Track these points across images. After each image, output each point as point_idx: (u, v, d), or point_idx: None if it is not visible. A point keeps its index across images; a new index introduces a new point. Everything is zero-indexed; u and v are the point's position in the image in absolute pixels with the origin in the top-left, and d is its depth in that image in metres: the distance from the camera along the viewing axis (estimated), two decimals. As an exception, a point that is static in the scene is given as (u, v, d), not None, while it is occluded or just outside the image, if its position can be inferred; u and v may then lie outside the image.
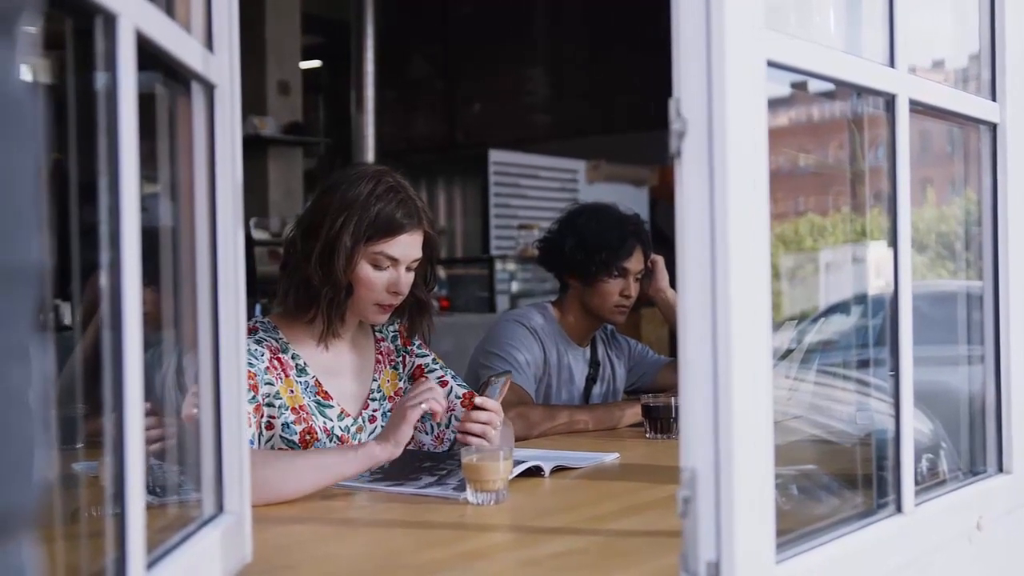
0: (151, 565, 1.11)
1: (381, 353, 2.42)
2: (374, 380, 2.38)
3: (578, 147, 8.89)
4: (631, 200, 6.79)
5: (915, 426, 1.58)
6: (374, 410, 2.36)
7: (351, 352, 2.35)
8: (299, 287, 2.23)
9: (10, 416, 0.55)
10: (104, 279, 1.02)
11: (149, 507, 1.08)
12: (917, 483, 1.57)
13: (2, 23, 0.54)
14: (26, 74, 0.57)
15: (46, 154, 0.59)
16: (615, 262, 3.02)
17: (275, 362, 2.20)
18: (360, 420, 2.32)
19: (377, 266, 2.22)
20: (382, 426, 2.32)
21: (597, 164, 8.53)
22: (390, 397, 2.39)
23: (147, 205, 1.11)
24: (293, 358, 2.25)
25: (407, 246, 2.24)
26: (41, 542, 0.63)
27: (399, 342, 2.45)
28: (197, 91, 1.35)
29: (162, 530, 1.27)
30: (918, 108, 1.60)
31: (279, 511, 1.88)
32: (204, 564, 1.27)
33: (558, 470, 2.21)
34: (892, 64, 1.54)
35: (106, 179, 1.02)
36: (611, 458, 2.38)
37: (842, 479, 1.75)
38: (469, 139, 10.10)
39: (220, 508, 1.38)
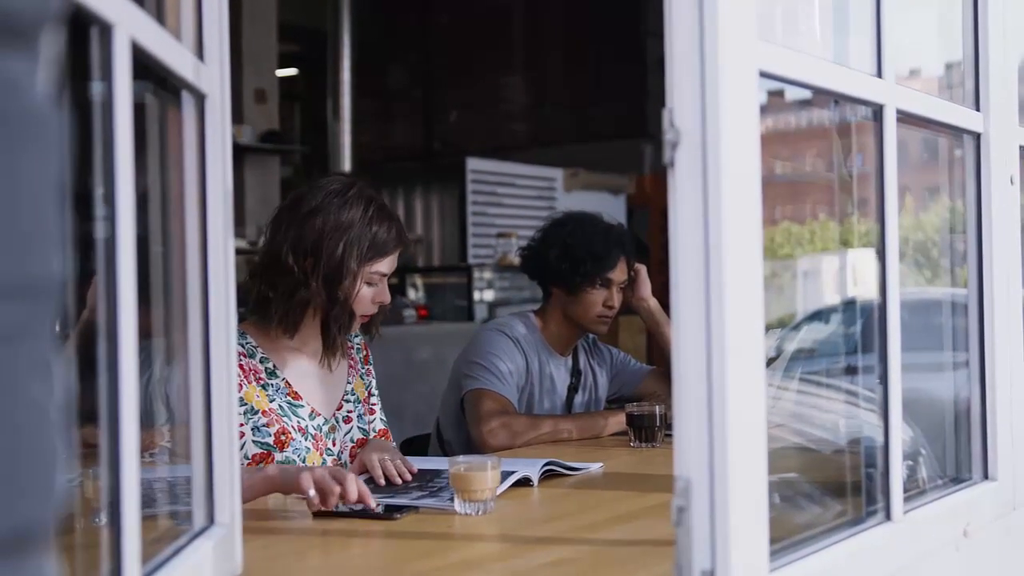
0: (145, 578, 1.10)
1: (352, 359, 2.50)
2: (348, 383, 2.45)
3: (556, 155, 8.90)
4: (608, 208, 6.79)
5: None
6: (348, 411, 2.43)
7: (319, 355, 2.40)
8: (300, 307, 2.28)
9: (33, 431, 0.55)
10: (100, 290, 1.01)
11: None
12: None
13: (24, 37, 0.54)
14: (48, 88, 0.57)
15: (67, 166, 0.59)
16: (600, 273, 3.02)
17: (237, 369, 2.22)
18: (333, 420, 2.39)
19: (370, 283, 2.32)
20: (358, 427, 2.43)
21: (575, 172, 8.54)
22: (363, 401, 2.48)
23: (136, 214, 1.11)
24: (262, 362, 2.31)
25: (394, 260, 2.36)
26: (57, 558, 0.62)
27: (361, 356, 2.55)
28: (187, 100, 1.35)
29: (153, 542, 1.26)
30: (904, 118, 1.61)
31: (269, 523, 1.87)
32: (196, 576, 1.27)
33: (548, 476, 2.21)
34: (879, 74, 1.55)
35: (102, 188, 1.01)
36: (596, 467, 2.39)
37: (829, 487, 1.75)
38: (446, 147, 10.10)
39: (211, 520, 1.38)
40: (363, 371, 2.53)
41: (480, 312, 7.38)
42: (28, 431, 0.54)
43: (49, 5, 0.56)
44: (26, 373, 0.55)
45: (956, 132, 1.87)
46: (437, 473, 2.22)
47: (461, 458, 1.99)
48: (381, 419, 2.54)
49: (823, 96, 1.62)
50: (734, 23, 1.19)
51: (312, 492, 1.83)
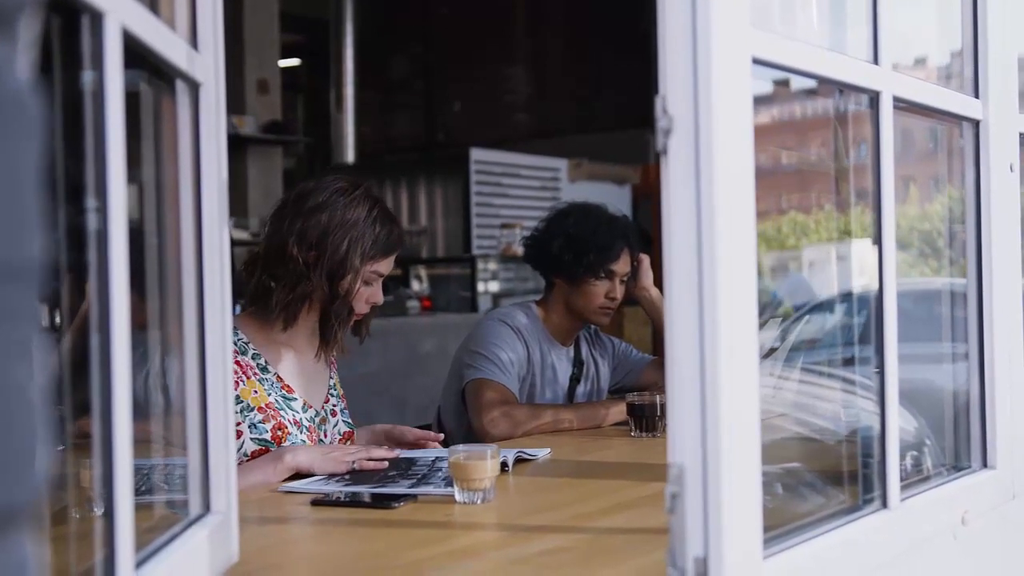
0: (139, 565, 1.10)
1: (334, 356, 2.53)
2: (331, 378, 2.50)
3: (560, 146, 8.89)
4: (613, 199, 6.79)
5: (899, 424, 1.59)
6: (333, 405, 2.48)
7: (309, 350, 2.43)
8: (300, 300, 2.31)
9: (14, 411, 0.55)
10: (92, 281, 1.01)
11: (135, 507, 1.07)
12: (902, 479, 1.58)
13: (2, 23, 0.54)
14: (26, 72, 0.57)
15: (46, 152, 0.59)
16: (602, 264, 3.02)
17: (234, 366, 2.24)
18: (323, 412, 2.43)
19: (367, 282, 2.36)
20: (343, 420, 2.48)
21: (579, 163, 8.53)
22: (342, 396, 2.53)
23: (130, 205, 1.11)
24: (253, 358, 2.33)
25: (392, 262, 2.41)
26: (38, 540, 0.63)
27: (335, 355, 2.57)
28: (182, 90, 1.34)
29: (149, 530, 1.26)
30: (901, 105, 1.60)
31: (265, 511, 1.87)
32: (191, 563, 1.27)
33: (548, 465, 2.23)
34: (876, 61, 1.54)
35: (93, 179, 1.01)
36: (543, 453, 2.41)
37: (827, 476, 1.75)
38: (450, 138, 10.10)
39: (207, 508, 1.38)
40: (337, 369, 2.58)
41: (484, 303, 7.39)
42: (8, 413, 0.55)
43: None
44: (6, 355, 0.55)
45: (955, 120, 1.86)
46: (412, 461, 2.23)
47: (460, 447, 1.99)
48: (346, 421, 2.55)
49: (823, 84, 1.62)
50: (727, 10, 1.19)
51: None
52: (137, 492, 1.14)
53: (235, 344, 2.30)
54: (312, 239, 2.29)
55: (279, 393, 2.32)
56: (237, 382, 2.25)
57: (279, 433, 2.27)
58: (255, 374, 2.30)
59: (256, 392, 2.29)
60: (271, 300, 2.31)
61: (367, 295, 2.36)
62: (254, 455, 2.23)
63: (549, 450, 2.45)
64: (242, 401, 2.25)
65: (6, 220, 0.55)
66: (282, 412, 2.30)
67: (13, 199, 0.55)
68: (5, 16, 0.54)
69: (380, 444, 2.48)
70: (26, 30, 0.57)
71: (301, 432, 2.31)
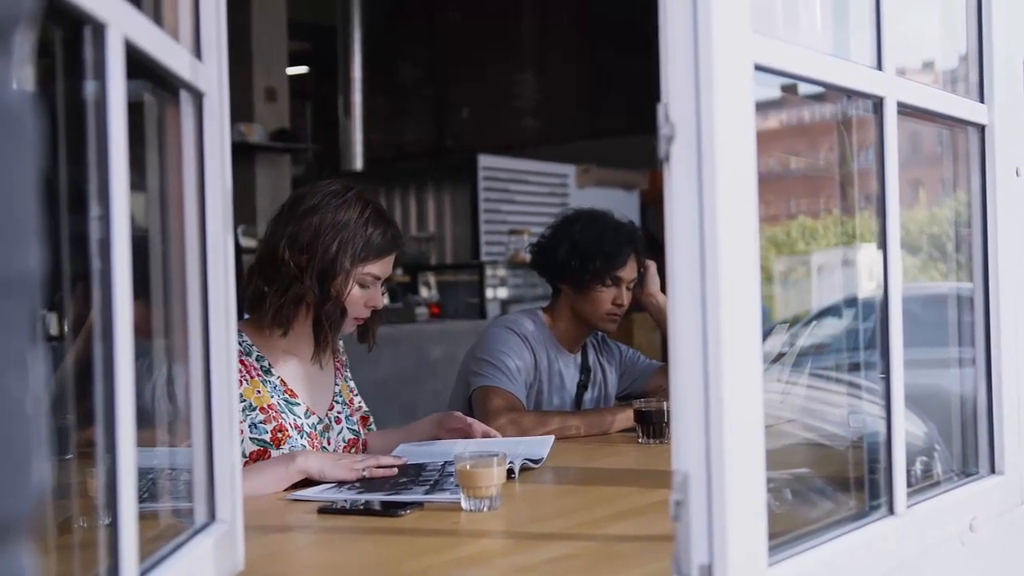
0: (144, 573, 1.10)
1: (339, 362, 2.54)
2: (336, 384, 2.50)
3: (568, 152, 8.88)
4: (621, 205, 6.79)
5: (909, 429, 1.59)
6: (338, 412, 2.48)
7: (310, 356, 2.43)
8: (293, 303, 2.31)
9: (10, 424, 0.55)
10: (95, 289, 1.01)
11: (140, 515, 1.08)
12: (910, 485, 1.57)
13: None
14: (23, 83, 0.57)
15: (42, 163, 0.59)
16: (609, 271, 3.02)
17: (238, 365, 2.26)
18: (327, 420, 2.43)
19: (363, 285, 2.35)
20: (348, 428, 2.48)
21: (587, 169, 8.53)
22: (348, 403, 2.52)
23: (135, 214, 1.11)
24: (258, 360, 2.34)
25: (389, 265, 2.40)
26: (34, 552, 0.63)
27: (344, 359, 2.59)
28: (186, 99, 1.35)
29: (154, 539, 1.26)
30: (906, 110, 1.60)
31: (271, 520, 1.87)
32: (197, 572, 1.27)
33: (525, 469, 2.25)
34: (879, 67, 1.54)
35: (96, 188, 1.02)
36: (547, 443, 2.45)
37: (835, 481, 1.75)
38: (458, 144, 10.09)
39: (212, 516, 1.38)
40: (346, 375, 2.57)
41: (492, 309, 7.39)
42: (3, 425, 0.55)
43: (22, 4, 0.56)
44: (2, 367, 0.55)
45: (961, 124, 1.86)
46: (422, 467, 2.23)
47: (467, 454, 1.99)
48: (351, 428, 2.54)
49: (827, 89, 1.62)
50: (728, 16, 1.19)
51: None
52: (141, 499, 1.14)
53: (240, 345, 2.30)
54: (304, 242, 2.29)
55: (282, 396, 2.33)
56: (240, 381, 2.25)
57: (279, 435, 2.27)
58: (258, 375, 2.31)
59: (259, 392, 2.29)
60: (265, 305, 2.31)
61: (364, 298, 2.36)
62: (253, 456, 2.24)
63: (552, 437, 2.48)
64: (244, 400, 2.25)
65: (2, 233, 0.55)
66: (283, 415, 2.30)
67: (9, 211, 0.55)
68: (1, 29, 0.54)
69: (437, 435, 2.51)
70: (22, 42, 0.57)
71: (301, 437, 2.31)
